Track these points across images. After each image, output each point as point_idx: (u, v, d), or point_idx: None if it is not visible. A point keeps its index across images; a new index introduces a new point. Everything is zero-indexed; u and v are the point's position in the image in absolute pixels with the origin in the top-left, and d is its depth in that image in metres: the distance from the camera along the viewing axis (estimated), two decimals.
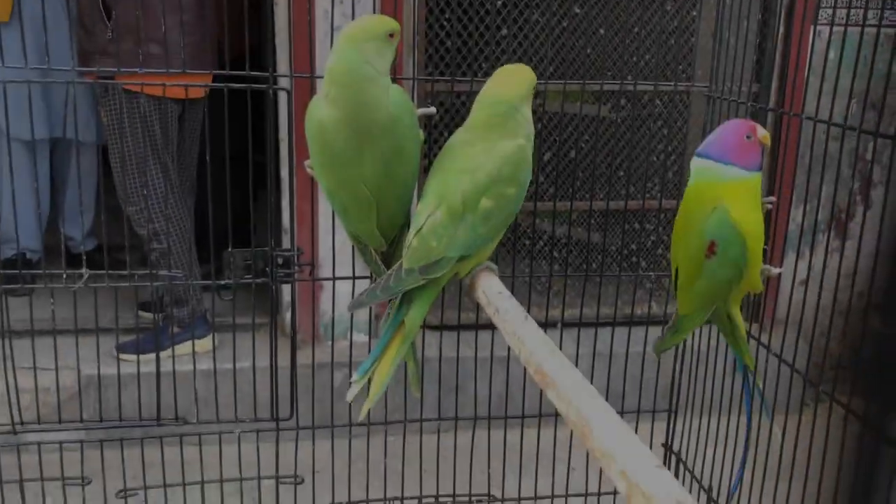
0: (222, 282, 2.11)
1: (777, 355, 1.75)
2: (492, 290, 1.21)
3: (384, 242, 1.30)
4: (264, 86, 1.92)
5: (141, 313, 2.83)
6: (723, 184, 1.34)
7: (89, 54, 2.51)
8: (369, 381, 1.22)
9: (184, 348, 2.58)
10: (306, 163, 1.31)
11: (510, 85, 1.23)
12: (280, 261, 1.94)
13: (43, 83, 2.63)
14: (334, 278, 2.08)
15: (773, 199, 1.46)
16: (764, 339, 2.25)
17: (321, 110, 1.20)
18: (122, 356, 2.61)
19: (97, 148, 3.26)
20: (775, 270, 1.46)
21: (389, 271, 1.23)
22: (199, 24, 2.58)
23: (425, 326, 2.84)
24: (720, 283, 1.40)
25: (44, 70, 1.96)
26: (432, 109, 1.43)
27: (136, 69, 2.03)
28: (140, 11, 2.26)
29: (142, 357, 2.52)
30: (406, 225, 1.32)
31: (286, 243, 2.71)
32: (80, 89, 2.92)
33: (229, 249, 1.96)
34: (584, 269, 3.23)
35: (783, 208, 2.95)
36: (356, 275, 1.99)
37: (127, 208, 2.63)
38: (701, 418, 2.04)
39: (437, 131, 2.96)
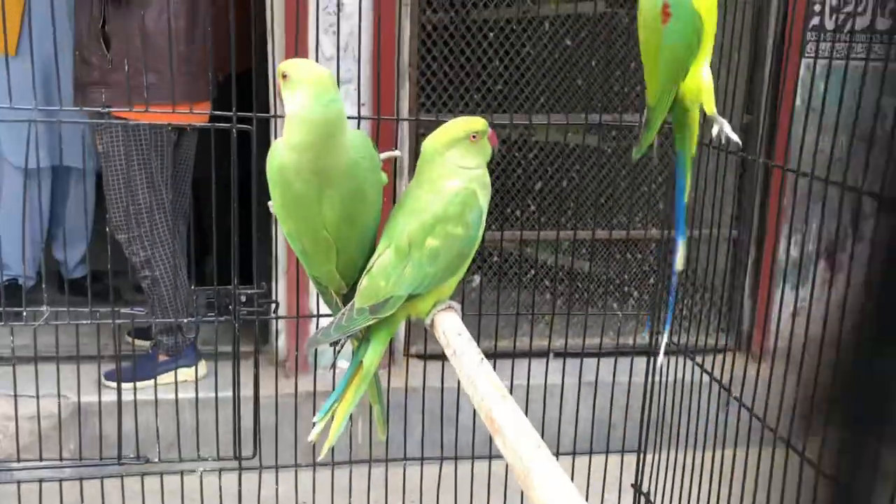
0: (184, 320, 2.12)
1: (749, 409, 1.75)
2: (451, 331, 1.22)
3: (344, 285, 1.31)
4: (227, 125, 1.98)
5: (129, 340, 2.83)
6: None
7: (87, 84, 2.54)
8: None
9: (170, 377, 2.57)
10: (270, 203, 1.32)
11: (441, 133, 1.26)
12: (243, 298, 1.95)
13: (47, 121, 2.66)
14: (298, 316, 2.10)
15: None
16: (753, 369, 2.25)
17: (282, 154, 1.21)
18: (110, 384, 2.60)
19: (94, 175, 3.29)
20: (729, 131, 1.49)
21: (343, 310, 1.26)
22: (194, 52, 2.60)
23: (411, 356, 2.86)
24: (682, 46, 1.44)
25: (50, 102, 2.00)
26: (397, 153, 1.46)
27: (138, 99, 2.07)
28: (139, 43, 2.31)
29: (128, 385, 2.50)
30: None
31: (279, 281, 2.73)
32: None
33: (192, 287, 1.99)
34: (574, 299, 3.24)
35: (769, 241, 2.97)
36: (320, 313, 2.00)
37: (118, 236, 2.63)
38: (678, 452, 2.04)
39: None
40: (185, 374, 2.70)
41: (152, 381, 2.52)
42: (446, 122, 1.28)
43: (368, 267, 1.25)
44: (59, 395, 2.20)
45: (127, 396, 2.23)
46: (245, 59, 2.08)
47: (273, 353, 2.87)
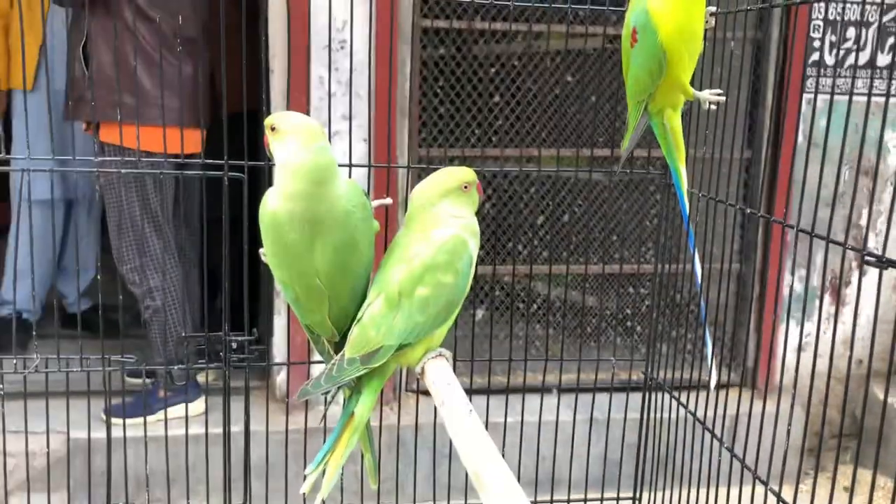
0: (174, 367, 2.12)
1: (729, 450, 1.73)
2: (441, 381, 1.20)
3: (336, 333, 1.30)
4: (220, 173, 2.02)
5: (129, 379, 2.81)
6: None
7: (73, 100, 2.57)
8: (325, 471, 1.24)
9: (173, 412, 2.57)
10: (261, 251, 1.32)
11: (433, 183, 1.27)
12: (234, 345, 1.94)
13: (61, 171, 2.71)
14: (289, 363, 2.09)
15: (712, 9, 1.53)
16: (758, 406, 2.23)
17: (274, 203, 1.22)
18: (112, 420, 2.58)
19: (98, 209, 3.30)
20: (714, 96, 1.53)
21: (334, 360, 1.25)
22: (184, 81, 2.56)
23: (421, 392, 2.84)
24: (642, 72, 1.48)
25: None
26: (388, 200, 1.45)
27: (116, 118, 2.12)
28: (111, 62, 2.40)
29: (131, 421, 2.49)
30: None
31: (276, 326, 2.72)
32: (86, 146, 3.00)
33: (183, 334, 1.99)
34: (577, 334, 3.21)
35: (772, 273, 2.95)
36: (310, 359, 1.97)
37: (121, 267, 2.65)
38: (672, 491, 2.02)
39: None
40: (187, 409, 2.67)
41: (153, 416, 2.55)
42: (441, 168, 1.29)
43: (359, 316, 1.25)
44: (47, 432, 2.16)
45: (124, 432, 2.21)
46: (237, 100, 2.10)
47: (274, 388, 2.85)
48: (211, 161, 2.00)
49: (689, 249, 1.69)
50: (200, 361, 2.10)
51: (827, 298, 3.13)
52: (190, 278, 2.92)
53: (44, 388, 2.12)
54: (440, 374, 1.22)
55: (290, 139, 1.21)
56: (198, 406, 2.73)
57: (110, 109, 2.45)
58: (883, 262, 1.31)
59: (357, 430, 1.26)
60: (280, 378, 2.83)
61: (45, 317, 2.99)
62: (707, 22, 1.48)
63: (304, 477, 1.24)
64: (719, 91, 1.55)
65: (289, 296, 1.29)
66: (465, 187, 1.26)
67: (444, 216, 1.24)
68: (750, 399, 2.02)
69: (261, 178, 2.32)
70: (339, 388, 1.27)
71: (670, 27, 1.41)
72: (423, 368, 1.27)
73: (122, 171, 2.38)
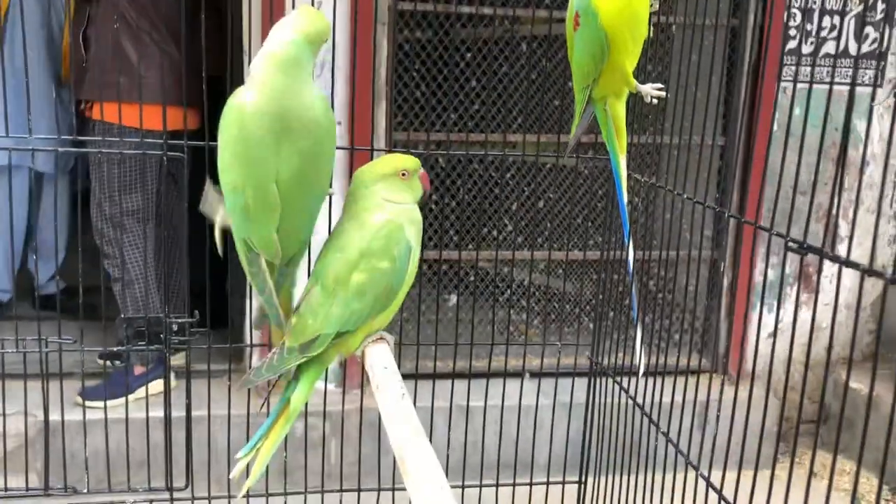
0: (113, 348, 2.11)
1: (664, 433, 1.75)
2: (378, 364, 1.19)
3: (279, 253, 1.21)
4: (159, 152, 2.08)
5: (100, 362, 2.80)
6: None
7: (75, 81, 2.68)
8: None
9: (154, 387, 2.64)
10: (208, 182, 1.26)
11: (370, 167, 1.25)
12: (175, 328, 1.93)
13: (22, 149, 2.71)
14: (230, 345, 2.07)
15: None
16: (729, 393, 2.24)
17: (244, 94, 1.14)
18: (88, 403, 2.57)
19: (69, 191, 3.28)
20: (655, 91, 1.53)
21: (273, 350, 1.22)
22: (169, 61, 2.66)
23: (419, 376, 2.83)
24: (585, 56, 1.48)
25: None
26: (331, 191, 1.41)
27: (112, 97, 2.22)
28: (108, 46, 2.53)
29: (109, 403, 2.48)
30: (306, 244, 1.28)
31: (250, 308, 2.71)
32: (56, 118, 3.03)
33: (121, 316, 1.95)
34: (554, 317, 3.23)
35: (744, 261, 2.97)
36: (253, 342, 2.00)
37: (99, 240, 2.73)
38: (615, 477, 2.06)
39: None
40: (157, 386, 2.67)
41: (133, 395, 2.56)
42: (420, 150, 1.27)
43: (297, 305, 1.23)
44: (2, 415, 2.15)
45: (89, 415, 2.20)
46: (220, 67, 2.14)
47: (245, 372, 2.85)
48: (173, 142, 2.01)
49: (628, 236, 1.68)
50: (140, 343, 2.08)
51: (803, 286, 3.16)
52: (180, 263, 2.93)
53: (14, 370, 2.12)
54: (378, 358, 1.21)
55: (273, 32, 1.15)
56: (169, 382, 2.73)
57: (104, 89, 2.62)
58: (804, 249, 1.33)
59: (292, 417, 1.25)
60: (254, 361, 2.83)
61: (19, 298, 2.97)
62: (652, 6, 1.48)
63: (236, 461, 1.22)
64: (660, 86, 1.55)
65: (235, 203, 1.17)
66: (404, 174, 1.24)
67: (378, 200, 1.22)
68: (721, 385, 2.03)
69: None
70: (279, 377, 1.25)
71: (611, 10, 1.40)
72: (363, 352, 1.26)
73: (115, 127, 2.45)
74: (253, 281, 1.23)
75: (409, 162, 1.26)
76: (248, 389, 2.60)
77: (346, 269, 1.19)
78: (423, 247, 1.41)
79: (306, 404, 1.28)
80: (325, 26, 1.20)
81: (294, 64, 1.14)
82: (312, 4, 2.52)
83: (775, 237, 1.47)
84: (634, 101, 2.09)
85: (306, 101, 1.15)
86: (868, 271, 1.17)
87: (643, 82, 1.56)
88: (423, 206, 1.31)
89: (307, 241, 1.27)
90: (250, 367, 2.83)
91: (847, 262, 1.24)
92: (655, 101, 1.56)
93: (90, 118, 2.71)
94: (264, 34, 2.38)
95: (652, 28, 1.56)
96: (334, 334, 1.21)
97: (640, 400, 1.99)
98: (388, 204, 1.23)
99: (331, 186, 1.28)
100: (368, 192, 1.23)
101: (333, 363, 2.04)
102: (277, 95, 1.13)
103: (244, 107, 1.13)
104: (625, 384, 2.15)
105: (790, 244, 1.35)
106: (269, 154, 1.13)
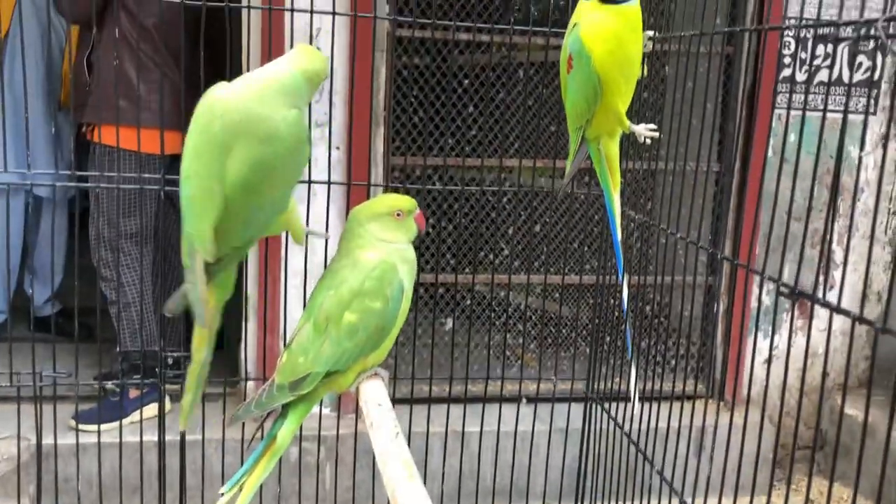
0: (108, 383, 2.11)
1: (650, 461, 1.74)
2: (373, 402, 1.19)
3: (212, 251, 1.19)
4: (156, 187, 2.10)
5: (95, 385, 2.78)
6: (584, 4, 1.43)
7: (76, 106, 2.72)
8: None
9: (148, 411, 2.60)
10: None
11: (366, 205, 1.26)
12: (170, 361, 1.92)
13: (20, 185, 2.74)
14: (226, 380, 2.08)
15: (650, 33, 1.52)
16: (725, 418, 2.24)
17: (221, 89, 1.17)
18: (82, 426, 2.55)
19: (66, 211, 3.28)
20: (648, 131, 1.53)
21: (263, 386, 1.22)
22: (167, 83, 2.67)
23: (397, 401, 2.83)
24: (579, 98, 1.48)
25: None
26: (327, 235, 1.42)
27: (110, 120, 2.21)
28: (110, 70, 2.55)
29: (102, 427, 2.47)
30: (243, 252, 1.26)
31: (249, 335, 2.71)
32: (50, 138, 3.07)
33: (118, 349, 1.96)
34: (551, 342, 3.22)
35: (740, 286, 2.97)
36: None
37: (97, 263, 2.71)
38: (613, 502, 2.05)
39: None
40: (152, 410, 2.65)
41: (127, 418, 2.55)
42: (414, 186, 1.29)
43: (288, 342, 1.23)
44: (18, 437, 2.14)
45: (82, 439, 2.18)
46: None
47: (243, 393, 2.83)
48: (171, 177, 2.02)
49: (622, 273, 1.68)
50: (136, 377, 2.08)
51: (798, 312, 3.16)
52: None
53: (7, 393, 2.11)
54: (372, 395, 1.21)
55: (283, 58, 1.20)
56: (163, 406, 2.72)
57: (105, 112, 2.64)
58: (795, 295, 1.34)
59: (277, 453, 1.24)
60: (250, 386, 2.81)
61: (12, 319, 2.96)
62: (645, 46, 1.49)
63: (220, 495, 1.21)
64: (654, 126, 1.55)
65: (185, 192, 1.18)
66: (398, 214, 1.25)
67: (371, 239, 1.23)
68: (716, 411, 2.03)
69: None
70: (268, 414, 1.25)
71: (604, 52, 1.41)
72: (357, 388, 1.25)
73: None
74: (187, 275, 1.21)
75: (405, 202, 1.27)
76: (243, 425, 2.61)
77: (339, 307, 1.19)
78: (420, 270, 1.42)
79: (301, 428, 1.28)
80: (323, 66, 1.22)
81: (282, 86, 1.16)
82: (312, 30, 2.55)
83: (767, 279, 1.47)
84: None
85: (276, 113, 1.15)
86: (859, 319, 1.18)
87: (639, 110, 1.57)
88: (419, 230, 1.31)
89: (244, 249, 1.26)
90: (245, 392, 2.82)
91: (837, 310, 1.24)
92: (649, 141, 1.57)
93: (90, 141, 2.72)
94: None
95: (646, 63, 1.57)
96: (324, 373, 1.20)
97: (635, 427, 1.98)
98: (382, 243, 1.23)
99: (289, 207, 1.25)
100: (363, 231, 1.24)
101: (325, 399, 2.03)
102: (248, 100, 1.14)
103: (214, 100, 1.15)
104: (620, 412, 2.14)
105: (782, 289, 1.35)
106: (220, 152, 1.14)
